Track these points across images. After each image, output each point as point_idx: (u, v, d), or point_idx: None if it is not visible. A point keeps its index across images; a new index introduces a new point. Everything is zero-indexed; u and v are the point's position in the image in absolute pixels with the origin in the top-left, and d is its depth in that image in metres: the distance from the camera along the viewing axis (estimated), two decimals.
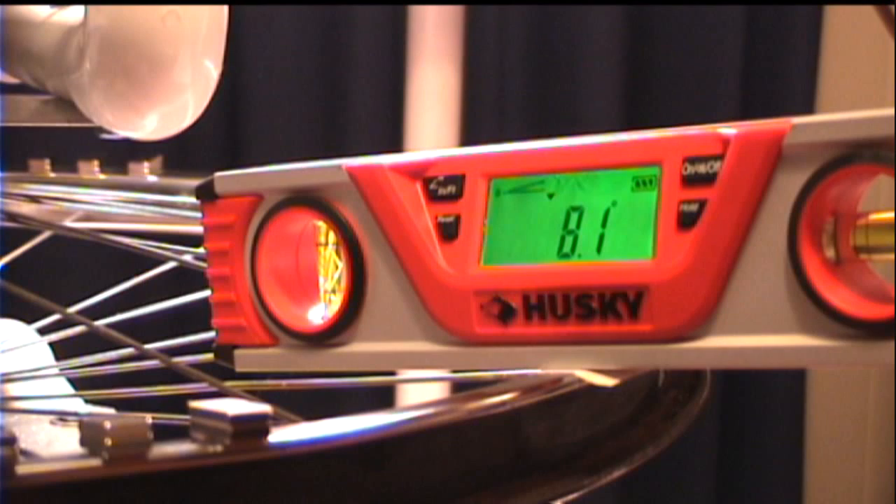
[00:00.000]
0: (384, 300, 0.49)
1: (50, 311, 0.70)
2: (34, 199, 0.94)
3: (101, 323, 0.69)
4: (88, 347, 0.72)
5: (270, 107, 1.60)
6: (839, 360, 0.41)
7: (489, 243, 0.47)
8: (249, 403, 0.42)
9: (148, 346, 0.63)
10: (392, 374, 0.77)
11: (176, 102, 0.67)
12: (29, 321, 0.85)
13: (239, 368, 0.53)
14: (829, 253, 0.41)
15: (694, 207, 0.43)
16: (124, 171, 1.00)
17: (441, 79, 1.55)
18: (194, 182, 0.54)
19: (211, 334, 0.54)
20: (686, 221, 0.43)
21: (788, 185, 0.41)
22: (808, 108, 1.67)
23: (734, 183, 0.42)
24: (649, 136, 0.45)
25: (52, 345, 0.84)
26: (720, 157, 0.43)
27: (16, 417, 0.74)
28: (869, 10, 0.50)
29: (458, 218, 0.48)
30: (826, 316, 0.41)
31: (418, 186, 0.49)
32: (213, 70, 0.68)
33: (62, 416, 0.73)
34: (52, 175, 1.00)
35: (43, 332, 0.84)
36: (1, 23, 0.73)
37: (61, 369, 0.79)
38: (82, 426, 0.40)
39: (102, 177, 1.00)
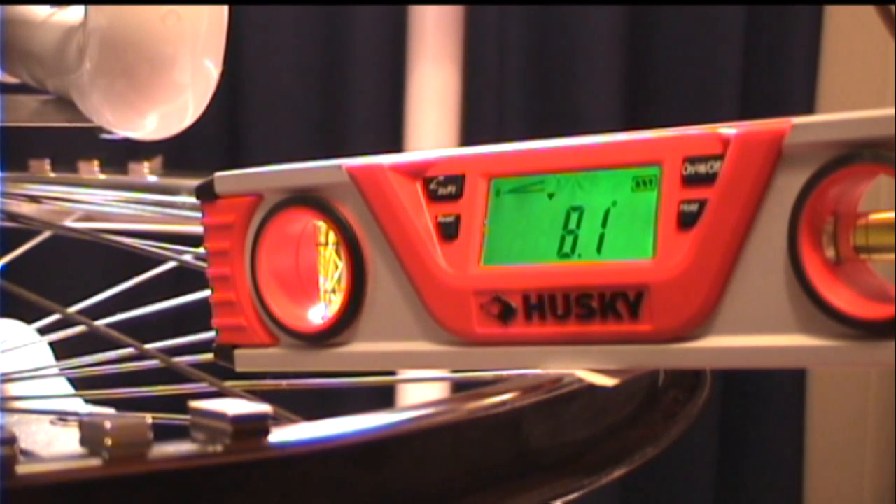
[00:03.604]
0: (384, 300, 0.49)
1: (50, 310, 0.70)
2: (34, 199, 0.94)
3: (101, 323, 0.69)
4: (88, 347, 0.72)
5: (270, 106, 1.60)
6: (839, 360, 0.41)
7: (489, 243, 0.47)
8: (249, 403, 0.42)
9: (148, 346, 0.63)
10: (392, 373, 0.77)
11: (176, 102, 0.67)
12: (29, 321, 0.85)
13: (239, 368, 0.53)
14: (829, 253, 0.41)
15: (694, 207, 0.43)
16: (124, 170, 1.00)
17: (441, 78, 1.55)
18: (194, 182, 0.54)
19: (211, 334, 0.54)
20: (686, 221, 0.43)
21: (788, 185, 0.41)
22: (808, 108, 1.67)
23: (734, 183, 0.42)
24: (649, 136, 0.45)
25: (52, 345, 0.84)
26: (720, 157, 0.43)
27: (16, 417, 0.74)
28: (869, 10, 0.50)
29: (458, 218, 0.48)
30: (826, 316, 0.41)
31: (418, 186, 0.49)
32: (213, 70, 0.68)
33: (62, 416, 0.73)
34: (52, 175, 1.00)
35: (43, 331, 0.84)
36: (1, 23, 0.73)
37: (61, 369, 0.79)
38: (82, 426, 0.40)
39: (102, 177, 1.00)
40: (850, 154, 0.40)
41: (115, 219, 0.94)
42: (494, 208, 0.47)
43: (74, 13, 0.72)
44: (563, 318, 0.45)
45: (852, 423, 1.72)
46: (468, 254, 0.47)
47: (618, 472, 0.53)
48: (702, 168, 0.43)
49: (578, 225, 0.46)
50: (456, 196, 0.48)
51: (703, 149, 0.43)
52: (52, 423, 0.73)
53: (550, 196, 0.46)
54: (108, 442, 0.39)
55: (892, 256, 0.40)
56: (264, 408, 0.42)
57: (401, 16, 1.57)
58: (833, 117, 0.41)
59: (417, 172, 0.49)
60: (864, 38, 1.65)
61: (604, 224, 0.45)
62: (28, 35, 0.73)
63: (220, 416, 0.41)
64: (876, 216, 0.41)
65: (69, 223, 0.94)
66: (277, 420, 0.46)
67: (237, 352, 0.53)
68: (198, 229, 0.54)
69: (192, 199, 0.56)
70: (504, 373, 0.53)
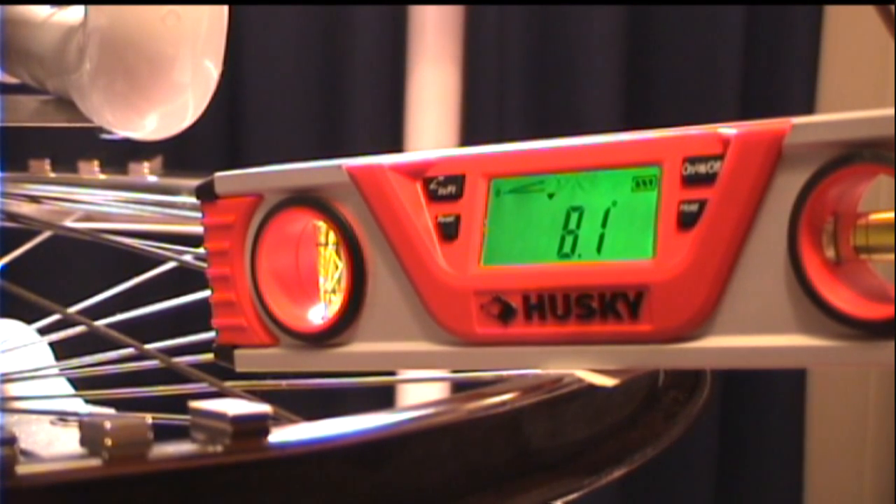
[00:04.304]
0: (384, 300, 0.49)
1: (50, 311, 0.70)
2: (34, 199, 0.94)
3: (101, 323, 0.69)
4: (89, 347, 0.72)
5: (271, 107, 1.60)
6: (839, 360, 0.41)
7: (489, 243, 0.47)
8: (249, 403, 0.42)
9: (148, 346, 0.63)
10: (392, 374, 0.77)
11: (176, 102, 0.67)
12: (29, 321, 0.85)
13: (239, 368, 0.53)
14: (829, 253, 0.41)
15: (694, 207, 0.43)
16: (124, 171, 1.00)
17: (441, 79, 1.55)
18: (194, 182, 0.54)
19: (211, 334, 0.54)
20: (686, 221, 0.43)
21: (788, 185, 0.41)
22: (808, 108, 1.67)
23: (734, 183, 0.42)
24: (649, 136, 0.45)
25: (52, 345, 0.84)
26: (720, 157, 0.43)
27: (16, 417, 0.74)
28: (869, 10, 0.50)
29: (458, 218, 0.48)
30: (826, 316, 0.41)
31: (418, 186, 0.49)
32: (213, 70, 0.68)
33: (62, 417, 0.73)
34: (53, 175, 1.00)
35: (43, 332, 0.84)
36: (1, 23, 0.73)
37: (61, 369, 0.79)
38: (82, 426, 0.40)
39: (102, 177, 1.00)
40: (850, 154, 0.40)
41: (115, 219, 0.94)
42: (494, 208, 0.47)
43: (74, 13, 0.72)
44: (563, 318, 0.45)
45: (852, 423, 1.72)
46: (468, 254, 0.47)
47: (618, 473, 0.53)
48: (702, 168, 0.43)
49: (578, 225, 0.46)
50: (456, 196, 0.48)
51: (703, 149, 0.43)
52: (52, 423, 0.73)
53: (550, 196, 0.46)
54: (108, 442, 0.39)
55: (892, 256, 0.40)
56: (264, 408, 0.42)
57: (401, 16, 1.57)
58: (833, 117, 0.41)
59: (417, 172, 0.49)
60: (864, 38, 1.65)
61: (604, 224, 0.45)
62: (28, 35, 0.73)
63: (220, 417, 0.41)
64: (876, 216, 0.41)
65: (69, 223, 0.94)
66: (277, 420, 0.46)
67: (237, 352, 0.53)
68: (198, 229, 0.54)
69: (192, 200, 0.56)
70: (504, 373, 0.53)
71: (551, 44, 1.64)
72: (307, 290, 0.52)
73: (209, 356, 0.55)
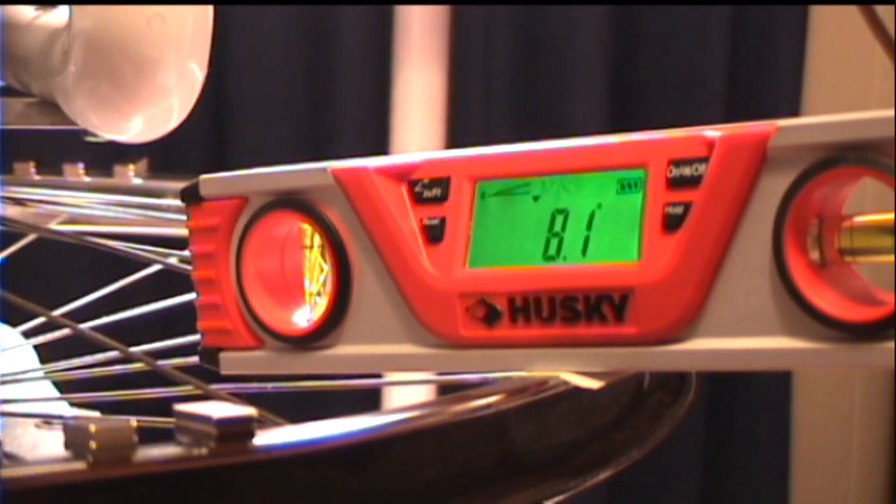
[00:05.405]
0: (369, 303, 0.49)
1: (35, 314, 0.70)
2: (19, 202, 0.94)
3: (86, 326, 0.69)
4: (74, 350, 0.72)
5: (256, 109, 1.60)
6: (824, 363, 0.41)
7: (474, 246, 0.47)
8: (234, 406, 0.42)
9: (133, 349, 0.63)
10: (378, 376, 0.77)
11: (161, 105, 0.67)
12: (14, 324, 0.85)
13: (224, 371, 0.53)
14: (814, 255, 0.41)
15: (679, 210, 0.43)
16: (109, 173, 1.00)
17: (427, 81, 1.55)
18: (179, 184, 0.54)
19: (196, 337, 0.54)
20: (671, 224, 0.43)
21: (773, 188, 0.41)
22: (794, 110, 1.67)
23: (719, 185, 0.42)
24: (635, 139, 0.45)
25: (37, 348, 0.84)
26: (705, 160, 0.43)
27: (1, 420, 0.73)
28: (854, 12, 0.50)
29: (443, 220, 0.48)
30: (811, 318, 0.41)
31: (404, 189, 0.49)
32: (198, 72, 0.68)
33: (47, 420, 0.73)
34: (37, 178, 1.00)
35: (28, 335, 0.84)
36: (1, 26, 0.73)
37: (46, 372, 0.78)
38: (67, 429, 0.40)
39: (87, 179, 1.00)
40: (835, 157, 0.40)
41: (100, 221, 0.94)
42: (480, 211, 0.47)
43: (59, 15, 0.72)
44: (548, 320, 0.45)
45: (838, 425, 1.73)
46: (453, 256, 0.47)
47: (604, 475, 0.53)
48: (687, 171, 0.43)
49: (563, 227, 0.46)
50: (441, 199, 0.48)
51: (688, 151, 0.43)
52: (37, 426, 0.73)
53: (535, 199, 0.46)
54: (93, 445, 0.39)
55: (877, 259, 0.41)
56: (249, 411, 0.42)
57: (387, 17, 1.57)
58: (818, 120, 0.41)
59: (403, 175, 0.49)
60: (850, 39, 1.66)
61: (589, 227, 0.45)
62: (13, 37, 0.73)
63: (204, 420, 0.41)
64: (860, 219, 0.41)
65: (54, 226, 0.94)
66: (262, 423, 0.46)
67: (222, 354, 0.53)
68: (183, 232, 0.54)
69: (178, 202, 0.56)
70: (489, 375, 0.53)
71: (537, 46, 1.64)
72: (292, 292, 0.52)
73: (194, 359, 0.55)
